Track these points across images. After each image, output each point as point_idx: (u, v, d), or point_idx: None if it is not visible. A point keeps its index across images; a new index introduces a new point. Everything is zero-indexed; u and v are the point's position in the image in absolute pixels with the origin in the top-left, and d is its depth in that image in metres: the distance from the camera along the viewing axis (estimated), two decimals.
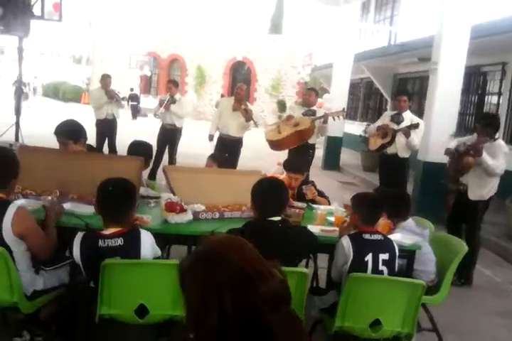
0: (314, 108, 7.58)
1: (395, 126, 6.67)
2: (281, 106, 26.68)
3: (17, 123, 10.26)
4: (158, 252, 2.78)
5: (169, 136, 8.60)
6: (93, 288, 2.65)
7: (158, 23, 30.10)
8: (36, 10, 9.21)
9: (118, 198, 2.67)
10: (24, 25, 9.12)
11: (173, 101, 8.45)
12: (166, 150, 8.60)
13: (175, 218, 3.27)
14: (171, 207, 3.31)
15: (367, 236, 2.99)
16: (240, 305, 1.25)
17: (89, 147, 4.64)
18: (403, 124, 6.65)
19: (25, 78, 21.46)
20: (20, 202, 3.20)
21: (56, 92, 36.81)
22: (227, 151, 7.47)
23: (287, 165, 4.40)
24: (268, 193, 2.88)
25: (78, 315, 2.87)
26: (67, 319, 2.92)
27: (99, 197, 2.71)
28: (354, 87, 17.81)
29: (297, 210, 3.52)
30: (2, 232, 2.64)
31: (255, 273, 1.29)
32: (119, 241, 2.59)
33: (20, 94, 11.05)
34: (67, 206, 3.24)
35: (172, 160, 8.67)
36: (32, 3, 9.05)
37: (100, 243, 2.58)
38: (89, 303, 2.70)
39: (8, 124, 10.25)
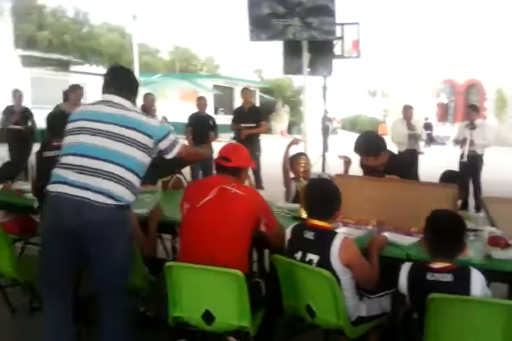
0: None
1: None
2: None
3: (323, 156, 11.15)
4: (488, 294, 2.61)
5: (470, 164, 8.28)
6: (416, 319, 2.63)
7: (452, 47, 29.23)
8: (336, 49, 9.98)
9: (451, 235, 2.60)
10: (327, 66, 9.96)
11: (472, 127, 8.18)
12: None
13: (499, 253, 3.04)
14: (494, 241, 3.11)
15: None
16: None
17: None
18: None
19: (329, 114, 23.20)
20: (343, 230, 3.40)
21: (353, 125, 39.11)
22: None
23: None
24: None
25: None
26: None
27: (430, 231, 2.67)
28: None
29: None
30: (331, 260, 2.81)
31: None
32: (448, 277, 2.52)
33: (326, 129, 12.05)
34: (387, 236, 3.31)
35: (477, 189, 8.25)
36: (334, 43, 9.84)
37: (428, 276, 2.55)
38: (412, 335, 2.68)
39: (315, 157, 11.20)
